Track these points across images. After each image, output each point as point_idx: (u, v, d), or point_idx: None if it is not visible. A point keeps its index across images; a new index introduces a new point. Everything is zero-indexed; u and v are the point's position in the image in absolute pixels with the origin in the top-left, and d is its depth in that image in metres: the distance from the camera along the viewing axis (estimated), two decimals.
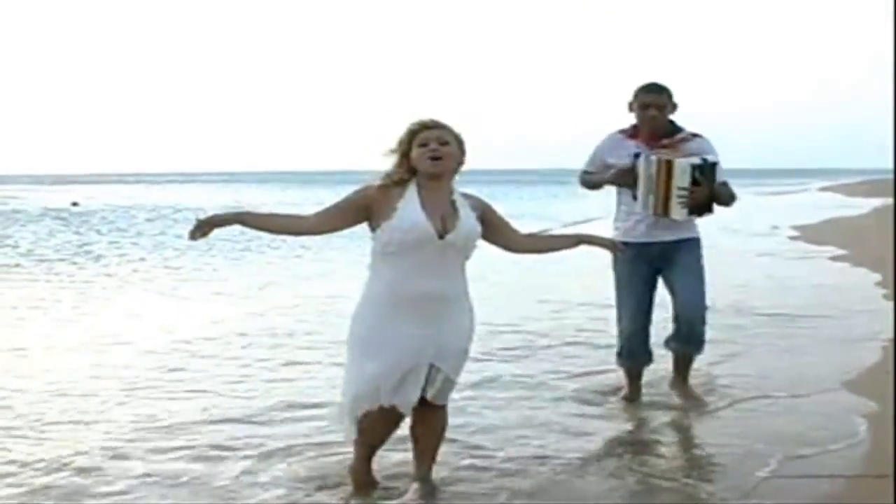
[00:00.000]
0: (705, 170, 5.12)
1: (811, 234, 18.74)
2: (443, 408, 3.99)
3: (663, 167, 5.09)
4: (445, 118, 3.91)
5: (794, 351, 7.05)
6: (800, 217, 23.83)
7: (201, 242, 4.36)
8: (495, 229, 3.99)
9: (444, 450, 4.16)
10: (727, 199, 5.29)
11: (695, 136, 5.29)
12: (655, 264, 5.33)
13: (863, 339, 7.33)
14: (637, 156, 5.20)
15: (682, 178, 5.08)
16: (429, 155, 3.78)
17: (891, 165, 29.71)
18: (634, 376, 5.60)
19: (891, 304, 9.10)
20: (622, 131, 5.34)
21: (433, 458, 4.07)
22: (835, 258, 13.96)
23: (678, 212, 5.15)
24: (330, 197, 4.43)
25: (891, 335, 7.42)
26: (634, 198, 5.24)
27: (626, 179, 5.24)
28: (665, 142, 5.23)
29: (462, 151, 3.90)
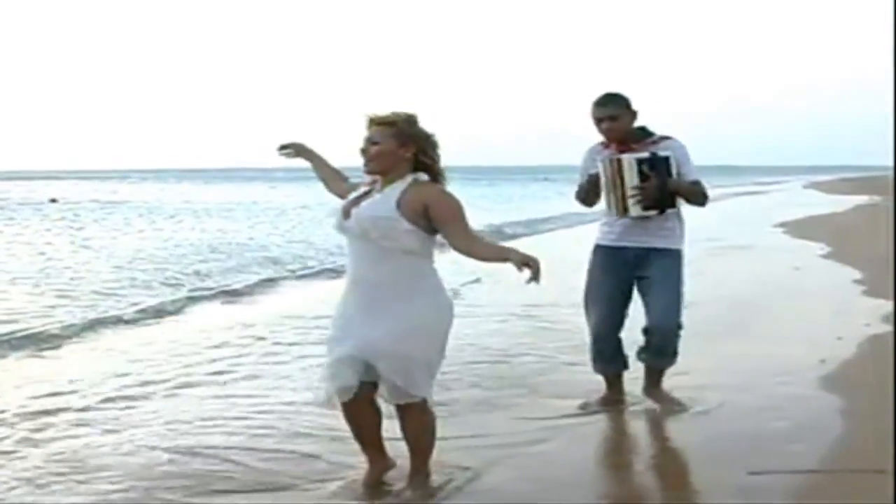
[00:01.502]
0: (655, 163, 5.11)
1: (795, 230, 18.90)
2: (410, 407, 3.92)
3: (615, 166, 5.14)
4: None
5: (771, 346, 7.10)
6: (784, 214, 23.96)
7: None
8: (438, 225, 3.85)
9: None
10: (695, 196, 5.23)
11: (664, 138, 5.26)
12: (632, 271, 5.28)
13: (841, 335, 7.38)
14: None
15: (630, 174, 5.10)
16: (363, 158, 3.92)
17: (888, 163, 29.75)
18: (612, 381, 5.48)
19: (870, 301, 9.23)
20: (601, 142, 5.33)
21: (418, 457, 4.06)
22: (818, 255, 14.07)
23: (635, 209, 5.15)
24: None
25: (872, 331, 7.55)
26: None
27: (595, 186, 5.28)
28: (634, 147, 5.21)
29: (404, 144, 3.84)
